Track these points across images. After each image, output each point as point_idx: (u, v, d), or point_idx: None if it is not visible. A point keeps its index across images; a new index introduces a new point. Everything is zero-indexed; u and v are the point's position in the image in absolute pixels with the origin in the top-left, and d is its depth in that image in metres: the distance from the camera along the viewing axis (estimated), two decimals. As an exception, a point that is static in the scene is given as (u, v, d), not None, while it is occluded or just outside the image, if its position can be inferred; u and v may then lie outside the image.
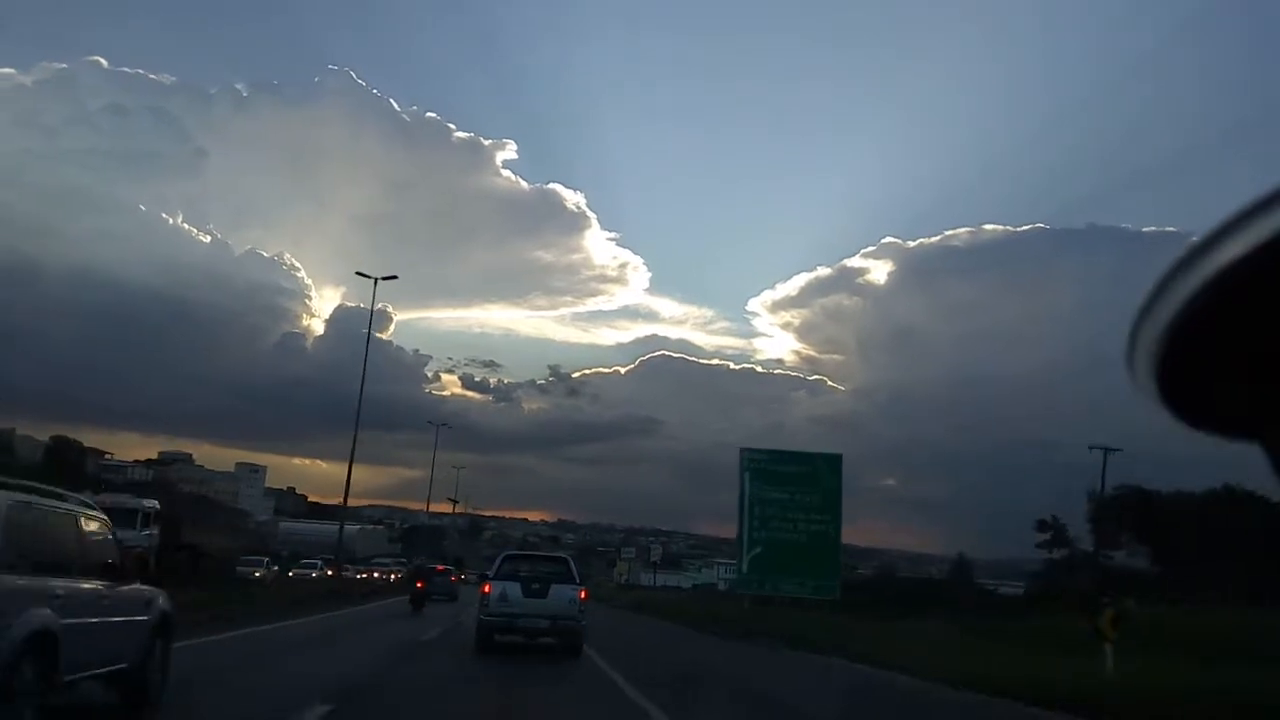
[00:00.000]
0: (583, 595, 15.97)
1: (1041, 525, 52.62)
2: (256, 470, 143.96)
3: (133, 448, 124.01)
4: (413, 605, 26.88)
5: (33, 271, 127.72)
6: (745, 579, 31.04)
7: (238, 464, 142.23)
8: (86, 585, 6.75)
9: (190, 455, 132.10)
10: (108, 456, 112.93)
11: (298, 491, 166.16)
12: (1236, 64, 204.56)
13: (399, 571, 58.25)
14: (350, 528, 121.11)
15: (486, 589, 15.73)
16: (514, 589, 15.37)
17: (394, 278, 37.98)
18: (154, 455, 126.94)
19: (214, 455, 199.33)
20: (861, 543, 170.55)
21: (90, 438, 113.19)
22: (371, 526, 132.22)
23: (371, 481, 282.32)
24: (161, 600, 8.33)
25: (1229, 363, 0.88)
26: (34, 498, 6.48)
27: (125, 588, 7.51)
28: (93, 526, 7.34)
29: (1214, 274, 0.79)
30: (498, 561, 17.16)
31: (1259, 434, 0.91)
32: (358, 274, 37.86)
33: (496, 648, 15.08)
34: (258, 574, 38.12)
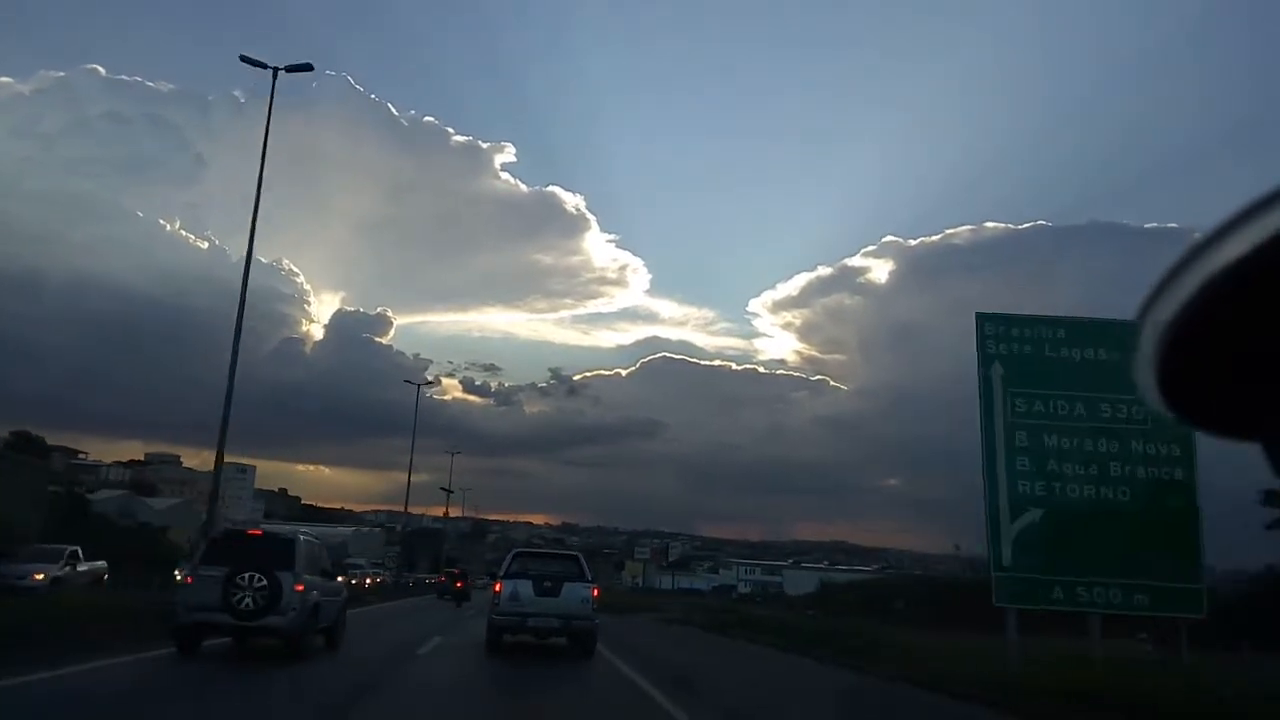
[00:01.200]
0: (595, 593, 15.54)
1: (1271, 497, 35.70)
2: (244, 471, 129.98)
3: (134, 455, 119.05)
4: (455, 601, 37.56)
5: (32, 279, 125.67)
6: (1011, 580, 14.51)
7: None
8: (321, 579, 13.59)
9: (178, 457, 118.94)
10: (81, 456, 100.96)
11: (290, 493, 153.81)
12: (1237, 63, 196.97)
13: (378, 576, 52.81)
14: (345, 529, 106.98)
15: (498, 587, 15.49)
16: (525, 587, 15.03)
17: (308, 67, 22.80)
18: (140, 457, 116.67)
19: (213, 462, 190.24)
20: (866, 542, 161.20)
21: (93, 446, 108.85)
22: (367, 529, 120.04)
23: (374, 486, 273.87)
24: (345, 591, 16.15)
25: (1229, 362, 0.88)
26: (306, 535, 14.14)
27: (333, 581, 14.87)
28: (321, 550, 14.78)
29: (1214, 274, 0.79)
30: (508, 559, 16.66)
31: (1259, 434, 0.91)
32: (242, 58, 22.60)
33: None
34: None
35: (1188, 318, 0.83)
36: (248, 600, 11.53)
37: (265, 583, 11.58)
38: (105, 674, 9.94)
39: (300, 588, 11.92)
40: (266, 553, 12.18)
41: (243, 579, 11.58)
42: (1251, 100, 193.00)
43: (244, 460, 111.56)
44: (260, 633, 11.86)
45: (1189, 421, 0.94)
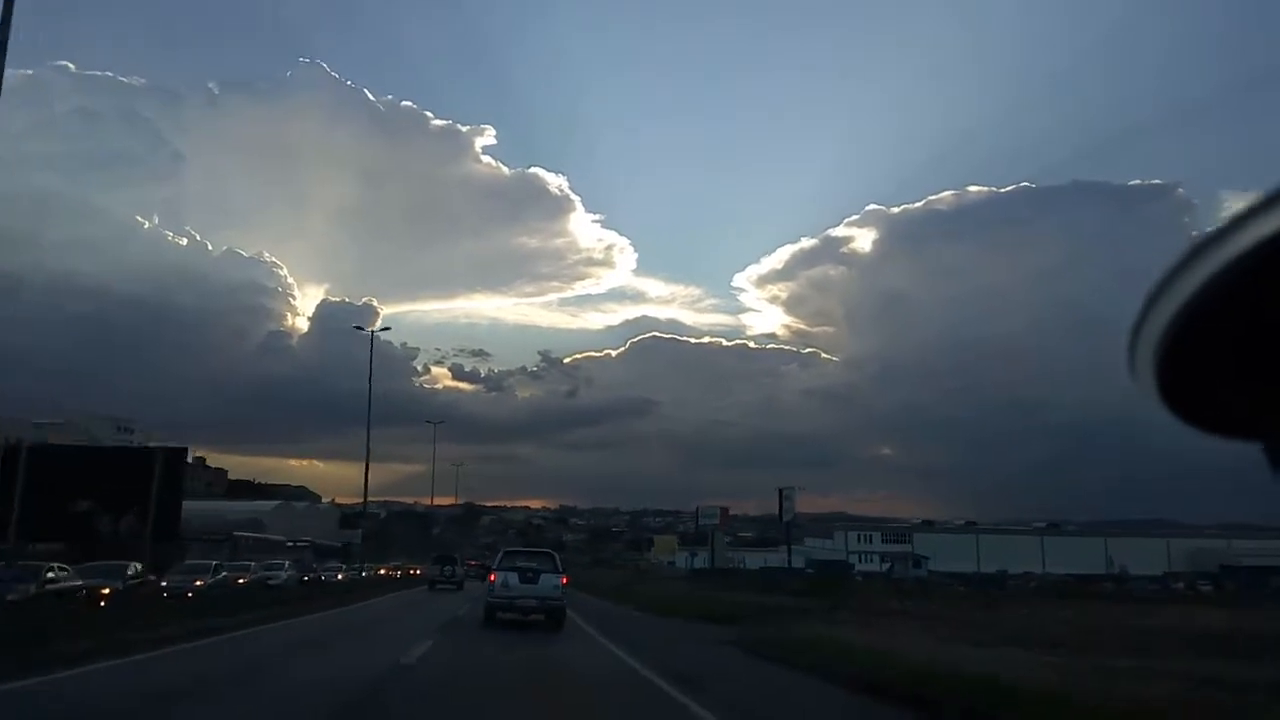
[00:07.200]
0: (564, 581, 20.34)
1: None
2: (129, 431, 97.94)
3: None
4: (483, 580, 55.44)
5: (7, 279, 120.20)
6: None
7: (96, 417, 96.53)
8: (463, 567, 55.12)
9: (75, 420, 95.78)
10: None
11: (211, 466, 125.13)
12: (1215, 20, 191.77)
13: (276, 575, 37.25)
14: (265, 504, 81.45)
15: (492, 578, 20.45)
16: (513, 577, 19.94)
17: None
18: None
19: (214, 460, 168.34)
20: (865, 512, 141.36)
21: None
22: (304, 504, 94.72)
23: (370, 478, 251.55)
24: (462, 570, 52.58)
25: (1229, 362, 0.88)
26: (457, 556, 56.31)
27: (462, 566, 54.74)
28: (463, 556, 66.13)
29: (1214, 273, 0.80)
30: (499, 557, 21.87)
31: (1259, 434, 0.92)
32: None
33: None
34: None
35: (1187, 318, 0.82)
36: (448, 573, 46.95)
37: (452, 569, 47.82)
38: (415, 590, 46.44)
39: (459, 569, 49.07)
40: (451, 559, 49.84)
41: (447, 568, 47.58)
42: (1232, 57, 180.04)
43: (242, 459, 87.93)
44: (450, 584, 45.72)
45: (1189, 422, 0.93)
